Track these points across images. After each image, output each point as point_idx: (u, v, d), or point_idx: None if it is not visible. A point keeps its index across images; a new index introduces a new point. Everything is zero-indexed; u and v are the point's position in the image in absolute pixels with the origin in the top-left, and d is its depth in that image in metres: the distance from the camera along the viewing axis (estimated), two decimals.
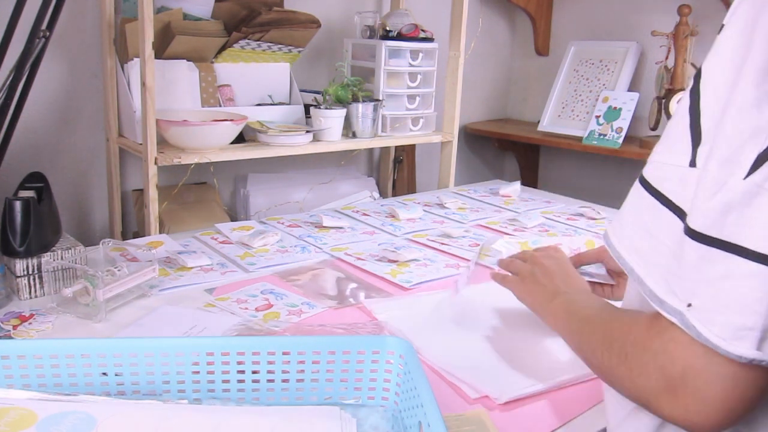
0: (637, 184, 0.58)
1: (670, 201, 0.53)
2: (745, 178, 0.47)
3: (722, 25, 0.53)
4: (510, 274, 0.94)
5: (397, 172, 2.23)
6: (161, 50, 1.57)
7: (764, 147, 0.46)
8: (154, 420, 0.61)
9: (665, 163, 0.55)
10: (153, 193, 1.41)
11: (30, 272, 1.02)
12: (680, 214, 0.52)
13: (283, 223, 1.48)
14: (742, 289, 0.46)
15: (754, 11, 0.49)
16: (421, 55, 1.88)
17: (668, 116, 2.02)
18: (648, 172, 0.57)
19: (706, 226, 0.48)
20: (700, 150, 0.51)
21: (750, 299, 0.46)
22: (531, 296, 0.87)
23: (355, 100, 1.75)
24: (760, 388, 0.49)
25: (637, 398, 0.55)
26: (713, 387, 0.48)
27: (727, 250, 0.47)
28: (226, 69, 1.72)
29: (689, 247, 0.49)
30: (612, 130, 2.09)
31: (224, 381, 0.69)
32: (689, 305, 0.49)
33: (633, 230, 0.56)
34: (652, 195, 0.55)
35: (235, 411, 0.66)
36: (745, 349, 0.46)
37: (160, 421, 0.61)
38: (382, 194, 2.15)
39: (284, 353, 0.69)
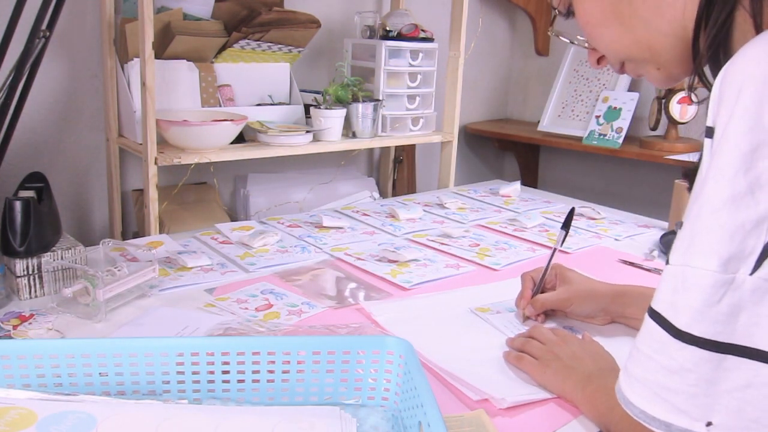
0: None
1: (652, 310, 0.51)
2: (751, 273, 0.44)
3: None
4: (525, 354, 0.86)
5: (397, 172, 2.23)
6: (161, 50, 1.57)
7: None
8: (154, 420, 0.61)
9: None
10: (153, 193, 1.41)
11: (30, 272, 1.02)
12: (659, 320, 0.50)
13: (283, 223, 1.48)
14: None
15: (729, 102, 0.47)
16: (421, 55, 1.88)
17: (668, 116, 2.03)
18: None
19: (715, 332, 0.45)
20: (682, 248, 0.49)
21: None
22: (558, 381, 0.79)
23: (355, 100, 1.75)
24: None
25: None
26: None
27: (743, 356, 0.44)
28: (226, 69, 1.72)
29: (692, 357, 0.47)
30: (612, 130, 2.09)
31: (224, 381, 0.69)
32: (709, 424, 0.46)
33: (632, 356, 0.54)
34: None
35: (235, 411, 0.66)
36: None
37: (160, 421, 0.61)
38: (382, 194, 2.15)
39: (284, 353, 0.69)
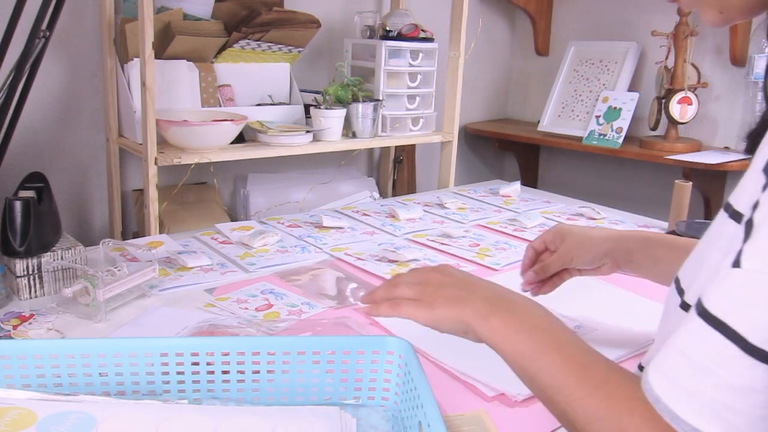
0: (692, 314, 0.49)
1: (702, 309, 0.47)
2: None
3: None
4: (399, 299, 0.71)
5: (397, 172, 2.23)
6: (161, 50, 1.57)
7: None
8: (154, 420, 0.61)
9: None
10: (153, 193, 1.41)
11: (30, 272, 1.02)
12: (725, 330, 0.45)
13: (283, 223, 1.48)
14: None
15: None
16: (421, 55, 1.88)
17: (668, 116, 2.03)
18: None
19: None
20: (751, 248, 0.45)
21: None
22: (453, 314, 0.65)
23: (355, 100, 1.75)
24: None
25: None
26: None
27: None
28: (226, 69, 1.72)
29: (753, 372, 0.43)
30: (612, 130, 2.09)
31: (224, 381, 0.69)
32: None
33: (671, 356, 0.49)
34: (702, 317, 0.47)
35: (235, 411, 0.66)
36: None
37: (160, 421, 0.61)
38: (382, 194, 2.15)
39: (284, 353, 0.69)
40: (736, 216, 0.50)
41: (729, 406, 0.45)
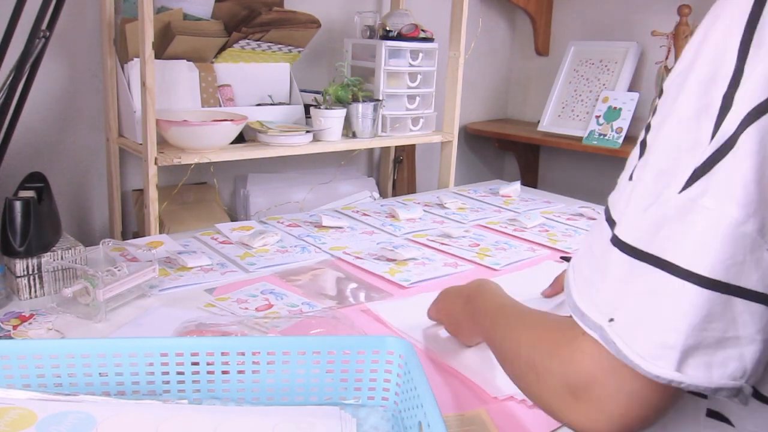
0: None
1: (609, 214, 0.52)
2: (680, 192, 0.45)
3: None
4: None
5: (397, 172, 2.23)
6: (161, 50, 1.57)
7: (701, 161, 0.44)
8: (154, 420, 0.61)
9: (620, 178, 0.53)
10: (153, 193, 1.41)
11: (30, 272, 1.02)
12: (612, 225, 0.51)
13: (283, 223, 1.48)
14: (665, 306, 0.44)
15: (709, 22, 0.47)
16: (421, 55, 1.88)
17: None
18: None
19: (635, 239, 0.47)
20: (639, 162, 0.50)
21: (672, 317, 0.44)
22: (466, 334, 0.90)
23: (355, 100, 1.75)
24: (665, 406, 0.47)
25: (542, 404, 0.54)
26: (616, 400, 0.47)
27: (654, 265, 0.45)
28: (226, 69, 1.71)
29: (616, 259, 0.48)
30: (612, 130, 2.09)
31: (224, 381, 0.69)
32: (611, 320, 0.47)
33: (582, 250, 0.55)
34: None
35: (235, 411, 0.66)
36: (663, 369, 0.44)
37: (160, 421, 0.61)
38: (382, 194, 2.15)
39: (284, 353, 0.69)
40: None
41: (593, 283, 0.50)
